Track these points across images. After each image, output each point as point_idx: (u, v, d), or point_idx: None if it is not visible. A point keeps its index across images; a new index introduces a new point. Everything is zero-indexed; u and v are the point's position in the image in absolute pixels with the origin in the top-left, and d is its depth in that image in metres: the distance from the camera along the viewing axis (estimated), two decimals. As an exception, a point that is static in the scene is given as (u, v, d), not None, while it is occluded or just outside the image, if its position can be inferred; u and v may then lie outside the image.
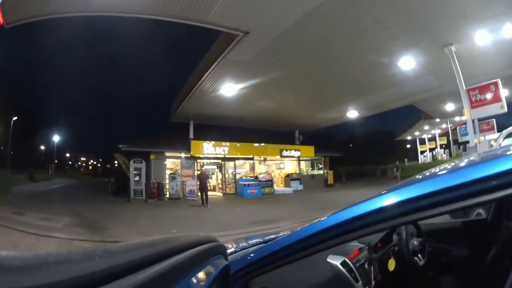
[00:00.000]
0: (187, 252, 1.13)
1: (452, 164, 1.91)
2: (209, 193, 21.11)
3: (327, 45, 17.73)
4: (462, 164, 1.75)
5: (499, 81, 16.92)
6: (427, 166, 39.06)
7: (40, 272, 0.58)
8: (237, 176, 31.88)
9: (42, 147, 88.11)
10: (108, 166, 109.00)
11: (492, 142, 16.35)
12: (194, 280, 1.16)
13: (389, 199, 1.27)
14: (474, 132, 18.61)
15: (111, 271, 0.70)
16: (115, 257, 0.77)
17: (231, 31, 15.87)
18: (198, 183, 22.16)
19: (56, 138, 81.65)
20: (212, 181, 31.79)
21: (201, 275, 1.25)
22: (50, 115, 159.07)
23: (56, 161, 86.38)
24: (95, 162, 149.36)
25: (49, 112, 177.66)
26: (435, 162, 48.28)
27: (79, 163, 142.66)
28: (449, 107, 33.84)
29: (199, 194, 22.04)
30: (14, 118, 54.97)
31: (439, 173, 1.57)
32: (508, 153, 1.30)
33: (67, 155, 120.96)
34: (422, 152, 60.58)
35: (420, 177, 1.70)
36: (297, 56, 18.59)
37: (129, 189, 25.49)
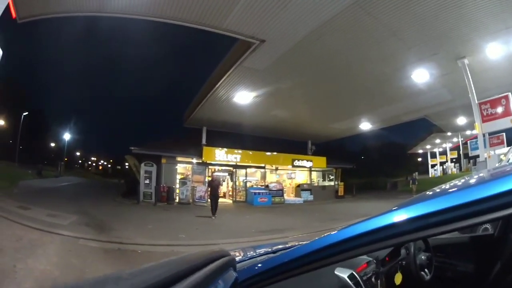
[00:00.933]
0: (201, 271, 1.13)
1: (463, 180, 1.93)
2: (219, 200, 20.47)
3: (342, 56, 17.74)
4: (472, 181, 1.74)
5: (509, 94, 16.88)
6: (438, 180, 38.98)
7: None
8: (248, 184, 31.95)
9: (53, 144, 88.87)
10: (119, 167, 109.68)
11: (501, 157, 16.30)
12: None
13: (399, 216, 1.25)
14: (485, 146, 18.48)
15: None
16: (127, 285, 0.75)
17: (247, 39, 15.88)
18: (209, 190, 20.82)
19: (67, 136, 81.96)
20: (223, 188, 31.76)
21: None
22: (63, 113, 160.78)
23: (66, 158, 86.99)
24: (105, 163, 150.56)
25: (62, 110, 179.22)
26: (445, 176, 48.15)
27: (89, 162, 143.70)
28: (461, 120, 33.79)
29: (209, 201, 20.79)
30: (25, 113, 55.27)
31: (449, 190, 1.54)
32: None
33: (78, 153, 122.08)
34: (432, 166, 60.63)
35: (430, 193, 1.72)
36: (312, 66, 18.60)
37: (139, 192, 25.61)
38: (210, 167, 30.23)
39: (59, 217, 13.86)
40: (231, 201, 30.63)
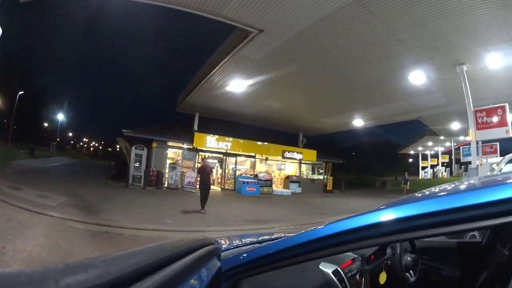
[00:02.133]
0: (183, 260, 1.10)
1: (453, 185, 1.94)
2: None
3: (340, 52, 17.67)
4: (463, 187, 1.76)
5: (507, 105, 16.91)
6: (428, 182, 39.08)
7: None
8: (237, 173, 31.94)
9: (46, 124, 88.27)
10: (110, 149, 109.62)
11: (493, 166, 16.33)
12: (188, 286, 1.13)
13: (387, 215, 1.26)
14: (477, 154, 18.50)
15: None
16: (100, 272, 0.68)
17: (246, 28, 15.75)
18: (199, 177, 17.78)
19: (60, 116, 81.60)
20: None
21: (196, 281, 1.22)
22: (57, 93, 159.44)
23: (58, 139, 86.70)
24: (96, 144, 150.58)
25: (56, 91, 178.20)
26: (435, 179, 48.33)
27: (81, 143, 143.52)
28: (455, 126, 33.83)
29: (198, 189, 17.62)
30: (20, 92, 54.79)
31: (439, 193, 1.55)
32: (508, 181, 1.30)
33: (70, 134, 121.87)
34: (423, 168, 60.95)
35: (419, 195, 1.72)
36: (309, 59, 18.52)
37: (128, 175, 25.62)
38: (200, 153, 30.04)
39: (48, 198, 13.92)
40: (219, 189, 30.51)
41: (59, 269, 0.61)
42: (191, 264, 1.13)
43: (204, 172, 16.86)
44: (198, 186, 17.89)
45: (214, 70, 20.39)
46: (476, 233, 3.46)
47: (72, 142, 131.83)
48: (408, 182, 32.83)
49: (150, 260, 0.88)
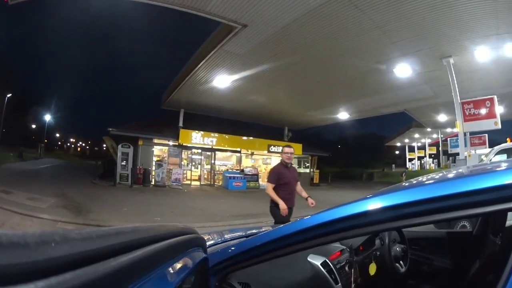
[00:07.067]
0: (160, 243, 1.09)
1: (441, 174, 1.96)
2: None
3: (325, 45, 17.61)
4: (451, 175, 1.77)
5: (495, 97, 16.89)
6: (415, 174, 39.24)
7: None
8: (223, 168, 32.01)
9: (33, 126, 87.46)
10: (97, 149, 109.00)
11: (482, 157, 16.37)
12: (169, 272, 1.15)
13: (374, 204, 1.27)
14: (465, 145, 18.50)
15: (68, 259, 0.63)
16: (75, 244, 0.68)
17: (229, 23, 15.67)
18: (270, 185, 7.28)
19: (47, 117, 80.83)
20: (198, 172, 31.67)
21: (176, 267, 1.24)
22: (42, 94, 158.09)
23: (45, 140, 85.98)
24: (83, 144, 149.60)
25: (41, 91, 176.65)
26: (423, 171, 48.44)
27: (68, 144, 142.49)
28: (442, 118, 33.66)
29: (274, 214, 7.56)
30: (9, 95, 54.13)
31: (426, 182, 1.59)
32: (497, 169, 1.35)
33: (57, 135, 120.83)
34: (410, 160, 61.04)
35: (407, 184, 1.77)
36: (293, 53, 18.46)
37: (116, 173, 25.59)
38: (187, 150, 30.31)
39: (38, 200, 13.96)
40: (202, 184, 30.70)
41: (36, 235, 0.62)
42: (169, 248, 1.13)
43: (286, 176, 7.46)
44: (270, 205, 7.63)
45: (198, 66, 20.28)
46: (466, 223, 3.49)
47: (59, 143, 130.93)
48: (404, 174, 33.23)
49: (126, 239, 0.90)
